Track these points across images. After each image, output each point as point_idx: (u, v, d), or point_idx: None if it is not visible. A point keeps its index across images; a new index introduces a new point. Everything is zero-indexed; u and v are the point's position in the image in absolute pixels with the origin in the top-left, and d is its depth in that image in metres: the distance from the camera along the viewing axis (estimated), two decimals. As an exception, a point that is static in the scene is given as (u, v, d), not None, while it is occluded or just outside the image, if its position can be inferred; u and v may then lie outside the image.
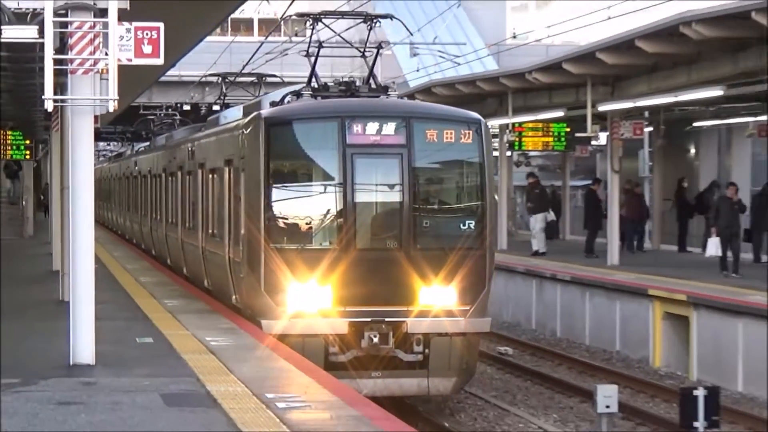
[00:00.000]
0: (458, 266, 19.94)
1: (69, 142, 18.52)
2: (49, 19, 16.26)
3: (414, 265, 19.49)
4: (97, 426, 13.43)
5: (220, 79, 40.63)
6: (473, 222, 20.85)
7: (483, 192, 20.63)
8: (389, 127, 19.74)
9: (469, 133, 20.14)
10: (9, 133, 48.16)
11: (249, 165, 20.36)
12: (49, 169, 39.52)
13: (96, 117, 19.59)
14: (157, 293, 32.25)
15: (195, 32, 31.48)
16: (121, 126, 57.25)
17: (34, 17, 17.17)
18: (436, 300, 19.60)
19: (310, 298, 19.04)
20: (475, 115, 22.08)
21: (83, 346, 17.75)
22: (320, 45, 23.04)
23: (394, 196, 20.53)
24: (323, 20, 24.02)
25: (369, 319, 19.06)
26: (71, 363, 17.66)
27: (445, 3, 70.75)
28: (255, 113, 21.67)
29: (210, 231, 30.11)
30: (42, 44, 16.72)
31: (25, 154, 54.26)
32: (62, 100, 18.14)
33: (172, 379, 16.77)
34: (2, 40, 18.08)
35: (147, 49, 17.01)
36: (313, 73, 23.72)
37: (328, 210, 20.08)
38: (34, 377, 16.69)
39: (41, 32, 16.82)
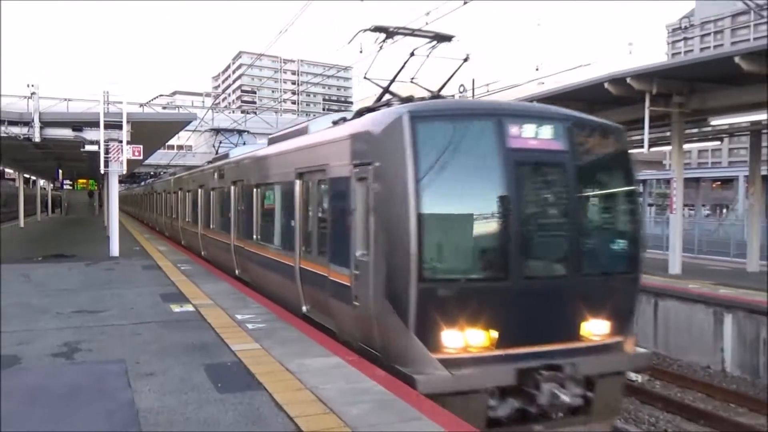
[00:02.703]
0: (618, 293, 7.46)
1: (109, 183, 18.28)
2: (102, 144, 16.32)
3: (580, 294, 7.12)
4: (119, 276, 13.68)
5: (215, 132, 24.75)
6: (630, 241, 7.72)
7: (636, 205, 7.98)
8: (547, 131, 7.33)
9: (620, 141, 7.98)
10: (89, 180, 46.74)
11: (384, 176, 6.84)
12: (105, 193, 36.42)
13: (119, 176, 18.44)
14: (145, 236, 25.84)
15: (153, 147, 24.68)
16: (128, 178, 52.98)
17: (97, 142, 16.49)
18: (601, 333, 7.21)
19: (474, 342, 6.55)
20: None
21: (114, 250, 17.65)
22: (412, 54, 9.29)
23: (561, 213, 7.39)
24: (398, 33, 9.53)
25: (540, 363, 6.71)
26: (110, 256, 17.42)
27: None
28: (395, 112, 7.08)
29: (258, 237, 12.11)
30: (99, 152, 16.50)
31: (96, 188, 52.05)
32: (107, 170, 17.08)
33: (146, 261, 16.48)
34: (87, 150, 16.85)
35: (136, 154, 16.88)
36: (390, 84, 9.42)
37: (492, 230, 6.97)
38: (97, 260, 16.39)
39: (99, 147, 16.47)
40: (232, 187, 14.24)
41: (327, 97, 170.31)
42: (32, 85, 16.73)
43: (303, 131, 10.63)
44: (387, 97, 9.09)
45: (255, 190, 12.26)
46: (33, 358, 6.86)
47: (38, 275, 13.76)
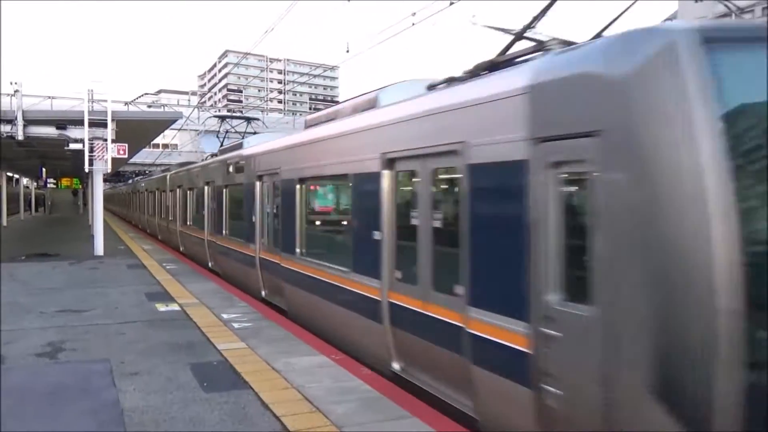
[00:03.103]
0: None
1: (94, 182, 18.32)
2: (86, 142, 16.20)
3: None
4: (103, 274, 13.50)
5: (220, 120, 19.81)
6: None
7: None
8: None
9: None
10: (73, 179, 46.02)
11: (635, 156, 3.01)
12: (90, 191, 35.00)
13: (104, 174, 18.38)
14: (129, 235, 25.19)
15: (139, 146, 25.38)
16: (112, 176, 51.61)
17: (81, 140, 16.37)
18: None
19: None
20: None
21: (99, 248, 17.50)
22: None
23: None
24: None
25: None
26: (94, 254, 17.29)
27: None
28: (661, 32, 3.16)
29: (303, 252, 8.54)
30: (83, 151, 16.43)
31: (80, 187, 51.23)
32: (91, 168, 16.88)
33: (131, 260, 16.27)
34: (71, 148, 16.69)
35: (121, 152, 16.64)
36: (527, 29, 5.08)
37: None
38: (81, 259, 16.20)
39: (83, 146, 16.36)
40: (258, 184, 11.00)
41: (313, 96, 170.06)
42: (15, 83, 16.59)
43: (367, 104, 7.46)
44: (511, 51, 5.42)
45: (299, 186, 8.95)
46: (17, 357, 6.78)
47: (22, 274, 13.57)
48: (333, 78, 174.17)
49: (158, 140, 33.80)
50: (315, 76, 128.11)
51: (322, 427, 4.79)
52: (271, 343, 7.33)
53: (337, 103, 10.18)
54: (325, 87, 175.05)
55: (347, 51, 16.16)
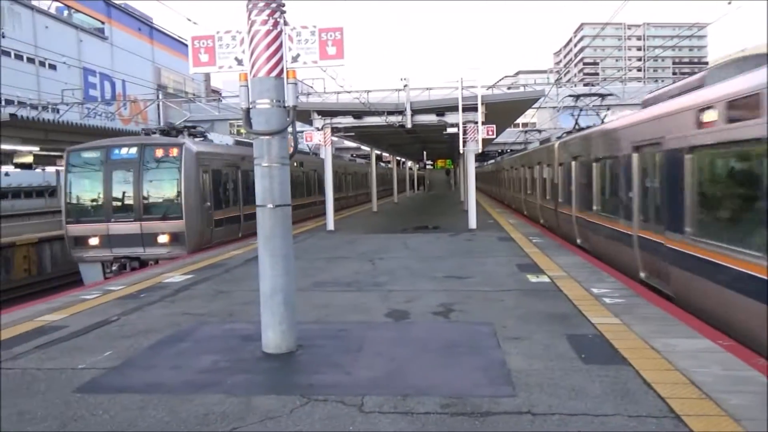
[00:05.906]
0: None
1: (467, 161, 19.56)
2: (461, 125, 17.54)
3: None
4: (478, 246, 14.40)
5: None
6: None
7: None
8: None
9: None
10: (446, 160, 50.31)
11: None
12: (461, 170, 34.97)
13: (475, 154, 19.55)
14: (497, 210, 26.24)
15: (504, 126, 24.28)
16: (478, 156, 53.33)
17: (456, 125, 17.73)
18: None
19: None
20: None
21: (472, 222, 18.50)
22: None
23: None
24: None
25: None
26: (468, 228, 18.36)
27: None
28: None
29: None
30: (458, 134, 17.75)
31: (452, 167, 55.61)
32: (465, 149, 17.69)
33: (500, 233, 16.94)
34: (448, 132, 19.09)
35: (490, 133, 17.59)
36: None
37: None
38: (459, 232, 17.38)
39: (458, 129, 18.02)
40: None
41: (677, 60, 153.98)
42: (404, 79, 18.88)
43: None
44: None
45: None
46: (418, 314, 7.79)
47: (413, 244, 15.48)
48: (700, 37, 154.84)
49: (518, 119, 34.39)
50: (682, 38, 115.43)
51: (715, 416, 4.37)
52: (646, 321, 6.98)
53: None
54: (690, 48, 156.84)
55: (729, 3, 14.12)
